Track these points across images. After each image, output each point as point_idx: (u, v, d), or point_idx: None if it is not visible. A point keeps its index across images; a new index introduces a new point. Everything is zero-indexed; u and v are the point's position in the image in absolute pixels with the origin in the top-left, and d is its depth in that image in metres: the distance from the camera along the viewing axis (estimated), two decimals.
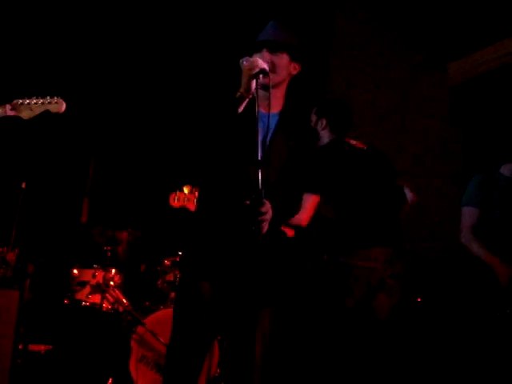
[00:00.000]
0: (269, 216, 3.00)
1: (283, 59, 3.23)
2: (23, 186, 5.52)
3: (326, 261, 4.24)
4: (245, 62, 3.08)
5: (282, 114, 3.25)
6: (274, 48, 3.21)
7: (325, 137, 4.30)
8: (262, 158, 2.99)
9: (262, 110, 3.12)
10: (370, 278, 3.98)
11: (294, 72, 3.29)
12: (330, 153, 4.17)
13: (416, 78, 7.02)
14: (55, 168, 6.48)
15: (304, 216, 3.81)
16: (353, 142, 4.28)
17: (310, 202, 3.85)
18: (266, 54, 3.19)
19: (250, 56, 3.18)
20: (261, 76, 3.06)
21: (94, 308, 5.40)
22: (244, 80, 3.08)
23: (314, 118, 4.36)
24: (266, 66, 3.07)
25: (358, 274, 3.98)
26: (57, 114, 2.92)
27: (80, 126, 6.63)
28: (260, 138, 3.00)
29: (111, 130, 6.79)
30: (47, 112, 2.93)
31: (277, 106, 3.23)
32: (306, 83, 6.27)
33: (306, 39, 6.38)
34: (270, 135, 3.20)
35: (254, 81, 3.06)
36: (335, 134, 4.31)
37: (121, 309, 5.45)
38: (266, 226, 3.00)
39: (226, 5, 6.12)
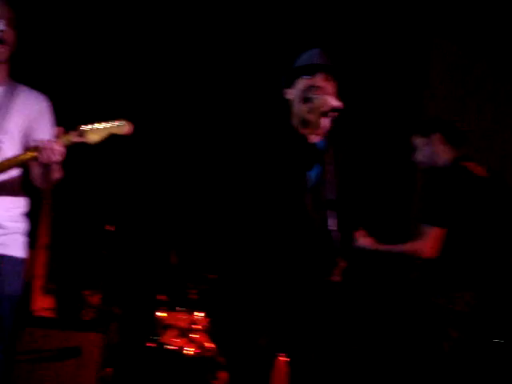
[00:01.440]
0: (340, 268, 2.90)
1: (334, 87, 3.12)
2: (108, 228, 5.60)
3: (423, 299, 3.95)
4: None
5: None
6: (327, 73, 3.10)
7: (442, 155, 3.99)
8: (335, 197, 2.87)
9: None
10: (462, 323, 3.72)
11: None
12: (452, 180, 3.84)
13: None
14: (141, 210, 6.52)
15: (427, 247, 3.72)
16: (473, 166, 3.93)
17: (433, 235, 3.72)
18: (319, 78, 3.07)
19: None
20: (333, 114, 2.96)
21: (179, 352, 5.33)
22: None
23: (420, 141, 4.07)
24: (339, 104, 2.95)
25: (453, 318, 3.72)
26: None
27: (172, 168, 6.65)
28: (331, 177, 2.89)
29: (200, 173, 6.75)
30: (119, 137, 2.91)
31: None
32: (399, 114, 6.10)
33: (402, 71, 6.23)
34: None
35: (326, 118, 2.96)
36: (455, 146, 3.98)
37: (205, 353, 5.37)
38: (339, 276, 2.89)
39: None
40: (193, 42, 6.11)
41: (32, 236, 6.27)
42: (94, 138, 2.86)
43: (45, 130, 3.03)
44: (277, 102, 3.30)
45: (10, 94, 3.05)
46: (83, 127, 2.87)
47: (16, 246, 3.03)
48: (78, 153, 2.96)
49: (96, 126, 2.87)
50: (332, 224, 2.81)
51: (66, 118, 3.17)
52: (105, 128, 2.87)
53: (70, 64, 6.08)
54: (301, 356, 3.01)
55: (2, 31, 2.92)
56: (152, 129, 6.24)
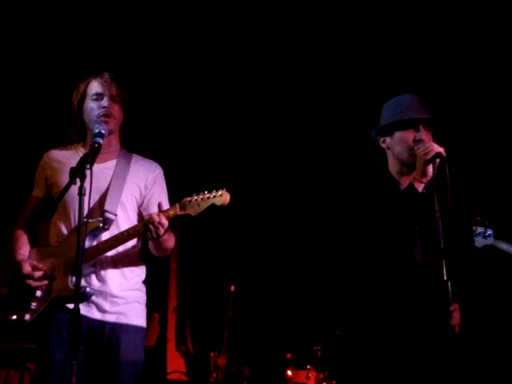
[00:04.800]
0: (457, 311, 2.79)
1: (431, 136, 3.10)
2: (232, 288, 5.67)
3: None
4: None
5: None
6: (428, 125, 3.10)
7: None
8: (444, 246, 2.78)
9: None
10: None
11: None
12: None
13: None
14: (264, 268, 6.54)
15: None
16: None
17: None
18: (423, 131, 3.06)
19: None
20: (437, 160, 2.90)
21: None
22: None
23: None
24: (442, 150, 2.90)
25: None
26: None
27: (290, 222, 6.68)
28: (440, 224, 2.80)
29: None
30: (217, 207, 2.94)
31: None
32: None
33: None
34: None
35: (431, 165, 2.91)
36: None
37: None
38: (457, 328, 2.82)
39: None
40: (282, 99, 6.21)
41: (163, 300, 6.58)
42: (195, 210, 2.91)
43: (158, 199, 3.08)
44: (370, 151, 3.29)
45: (124, 166, 3.18)
46: (186, 200, 2.92)
47: (135, 315, 3.09)
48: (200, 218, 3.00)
49: (197, 197, 2.91)
50: (445, 273, 2.73)
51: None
52: (205, 199, 2.90)
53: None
54: None
55: (104, 107, 3.10)
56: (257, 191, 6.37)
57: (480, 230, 4.04)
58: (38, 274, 3.00)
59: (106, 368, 2.97)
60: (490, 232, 4.06)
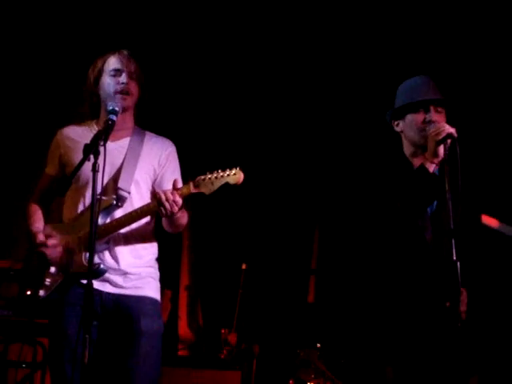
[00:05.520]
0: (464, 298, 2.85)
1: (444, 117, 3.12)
2: (243, 267, 5.71)
3: None
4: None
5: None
6: (439, 106, 3.12)
7: None
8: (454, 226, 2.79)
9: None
10: None
11: None
12: None
13: None
14: (276, 246, 6.57)
15: None
16: None
17: None
18: (434, 113, 3.08)
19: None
20: (448, 141, 2.90)
21: None
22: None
23: None
24: (453, 131, 2.90)
25: None
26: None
27: (301, 200, 6.69)
28: (450, 205, 2.80)
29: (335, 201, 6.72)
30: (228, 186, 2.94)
31: None
32: None
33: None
34: None
35: (442, 146, 2.91)
36: None
37: None
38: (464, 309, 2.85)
39: None
40: (295, 81, 6.22)
41: (175, 277, 6.63)
42: (209, 188, 2.91)
43: (172, 177, 3.12)
44: (384, 134, 3.30)
45: (138, 143, 3.19)
46: (200, 178, 2.93)
47: (150, 288, 3.12)
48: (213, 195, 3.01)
49: (211, 175, 2.91)
50: (454, 253, 2.74)
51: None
52: (219, 178, 2.90)
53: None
54: None
55: (123, 84, 3.12)
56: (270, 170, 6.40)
57: None
58: (52, 241, 3.04)
59: (126, 340, 2.98)
60: None
